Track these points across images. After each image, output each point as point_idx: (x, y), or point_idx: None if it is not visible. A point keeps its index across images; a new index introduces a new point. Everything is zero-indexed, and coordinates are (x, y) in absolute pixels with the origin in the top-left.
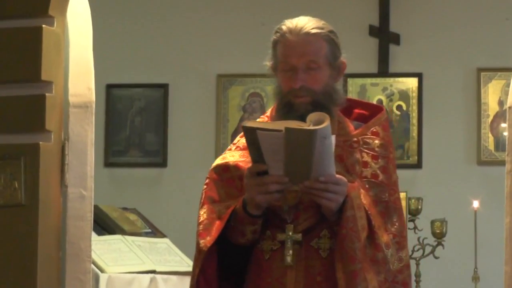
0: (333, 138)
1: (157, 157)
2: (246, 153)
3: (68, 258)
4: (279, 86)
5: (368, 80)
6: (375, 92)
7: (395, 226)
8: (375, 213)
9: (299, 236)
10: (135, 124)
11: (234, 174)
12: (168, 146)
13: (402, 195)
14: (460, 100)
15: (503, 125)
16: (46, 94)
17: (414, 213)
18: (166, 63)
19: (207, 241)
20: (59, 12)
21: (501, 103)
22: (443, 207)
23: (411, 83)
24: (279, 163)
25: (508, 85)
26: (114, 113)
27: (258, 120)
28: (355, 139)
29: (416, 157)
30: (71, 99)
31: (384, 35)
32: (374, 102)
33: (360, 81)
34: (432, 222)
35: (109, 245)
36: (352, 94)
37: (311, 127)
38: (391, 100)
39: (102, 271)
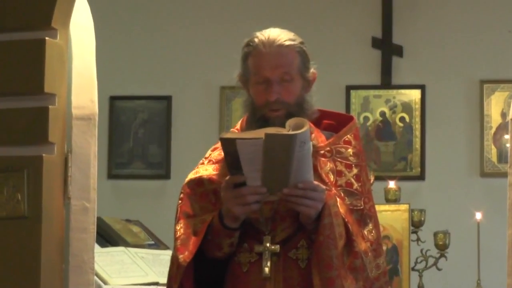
0: (310, 144)
1: (160, 169)
2: (219, 166)
3: (71, 270)
4: (250, 99)
5: (371, 92)
6: (378, 104)
7: (372, 234)
8: (352, 221)
9: (276, 248)
10: (138, 136)
11: (208, 188)
12: (171, 158)
13: (405, 206)
14: (463, 112)
15: (506, 136)
16: (49, 106)
17: (417, 224)
18: (169, 75)
19: (185, 256)
20: (62, 25)
21: (503, 115)
22: (446, 219)
23: (414, 95)
24: (257, 173)
25: (511, 97)
26: (117, 125)
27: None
28: (328, 148)
29: (419, 169)
30: (74, 111)
31: (387, 47)
32: (377, 113)
33: (363, 93)
34: (435, 234)
35: (112, 257)
36: (355, 106)
37: (291, 132)
38: (394, 112)
39: (105, 283)
